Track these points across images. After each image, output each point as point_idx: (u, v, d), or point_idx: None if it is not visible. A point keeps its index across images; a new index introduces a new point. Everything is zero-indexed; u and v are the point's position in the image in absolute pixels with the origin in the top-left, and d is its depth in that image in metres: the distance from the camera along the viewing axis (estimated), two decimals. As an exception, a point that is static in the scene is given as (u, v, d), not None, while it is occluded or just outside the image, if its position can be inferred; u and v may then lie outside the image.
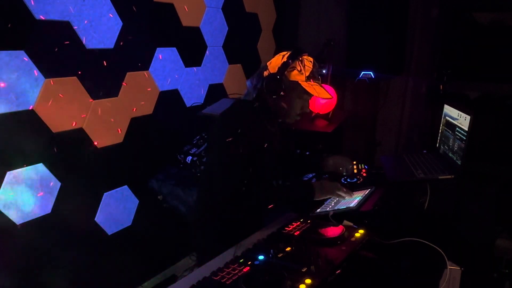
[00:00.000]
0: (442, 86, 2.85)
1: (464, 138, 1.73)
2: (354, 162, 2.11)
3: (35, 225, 1.87)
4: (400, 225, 1.55)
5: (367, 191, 1.74)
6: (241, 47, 3.00)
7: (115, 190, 2.25)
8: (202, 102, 2.73)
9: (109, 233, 2.25)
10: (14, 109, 1.71)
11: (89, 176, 2.09)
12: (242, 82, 2.97)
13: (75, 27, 1.89)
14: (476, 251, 1.58)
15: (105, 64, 2.05)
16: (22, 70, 1.71)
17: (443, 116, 2.04)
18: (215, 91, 2.82)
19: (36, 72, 1.77)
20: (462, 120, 1.79)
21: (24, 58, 1.72)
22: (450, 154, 1.89)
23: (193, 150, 2.41)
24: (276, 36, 3.35)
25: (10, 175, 1.75)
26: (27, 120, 1.77)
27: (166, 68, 2.42)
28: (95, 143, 2.08)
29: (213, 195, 1.69)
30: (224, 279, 1.14)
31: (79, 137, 2.00)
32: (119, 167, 2.24)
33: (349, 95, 3.37)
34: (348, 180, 1.96)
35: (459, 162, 1.77)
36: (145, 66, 2.29)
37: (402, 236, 1.38)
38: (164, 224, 2.53)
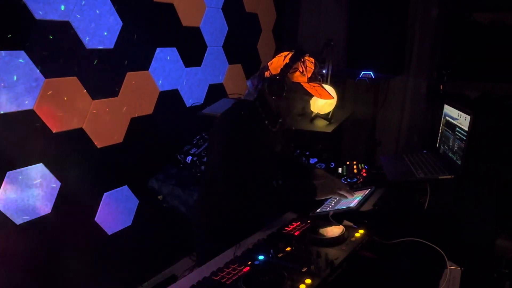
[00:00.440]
0: (442, 86, 2.85)
1: (464, 138, 1.73)
2: (354, 162, 2.12)
3: (35, 225, 1.88)
4: (400, 225, 1.55)
5: (367, 191, 1.74)
6: (241, 47, 3.00)
7: (115, 190, 2.25)
8: (202, 102, 2.73)
9: (109, 233, 2.25)
10: (14, 109, 1.72)
11: (89, 176, 2.09)
12: (242, 82, 2.97)
13: (75, 27, 1.89)
14: (476, 251, 1.58)
15: (104, 64, 2.05)
16: (22, 70, 1.71)
17: (443, 116, 2.04)
18: (215, 91, 2.82)
19: (36, 72, 1.77)
20: (462, 120, 1.79)
21: (24, 58, 1.72)
22: (450, 154, 1.89)
23: (193, 150, 2.41)
24: (276, 36, 3.35)
25: (10, 175, 1.75)
26: (27, 120, 1.77)
27: (166, 68, 2.42)
28: (95, 143, 2.08)
29: (213, 195, 1.69)
30: (224, 279, 1.14)
31: (79, 137, 2.00)
32: (119, 167, 2.24)
33: (349, 95, 3.37)
34: (348, 180, 1.96)
35: (459, 162, 1.77)
36: (145, 66, 2.29)
37: (402, 236, 1.37)
38: (164, 224, 2.53)
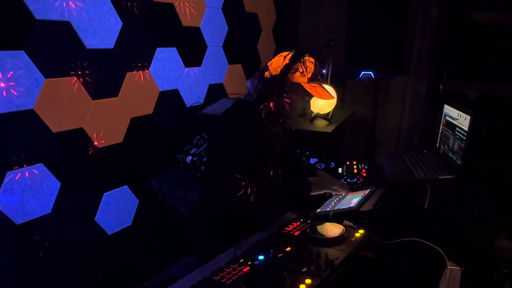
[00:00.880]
0: (442, 86, 2.85)
1: (464, 138, 1.73)
2: (354, 162, 2.12)
3: (35, 225, 1.87)
4: (400, 225, 1.55)
5: (367, 191, 1.74)
6: (241, 47, 3.00)
7: (115, 190, 2.25)
8: (202, 102, 2.73)
9: (109, 233, 2.25)
10: (14, 109, 1.72)
11: (89, 176, 2.09)
12: (242, 82, 2.97)
13: (75, 27, 1.89)
14: (476, 251, 1.58)
15: (104, 64, 2.05)
16: (22, 70, 1.71)
17: (443, 116, 2.04)
18: (215, 91, 2.82)
19: (36, 72, 1.77)
20: (462, 120, 1.79)
21: (24, 58, 1.72)
22: (450, 154, 1.89)
23: (193, 150, 2.41)
24: (276, 36, 3.35)
25: (10, 175, 1.75)
26: (27, 120, 1.77)
27: (166, 68, 2.42)
28: (95, 143, 2.08)
29: (213, 195, 1.69)
30: (224, 279, 1.14)
31: (79, 137, 2.00)
32: (119, 167, 2.24)
33: (349, 95, 3.37)
34: (348, 180, 1.96)
35: (459, 162, 1.77)
36: (145, 66, 2.29)
37: (402, 236, 1.37)
38: (164, 224, 2.53)
